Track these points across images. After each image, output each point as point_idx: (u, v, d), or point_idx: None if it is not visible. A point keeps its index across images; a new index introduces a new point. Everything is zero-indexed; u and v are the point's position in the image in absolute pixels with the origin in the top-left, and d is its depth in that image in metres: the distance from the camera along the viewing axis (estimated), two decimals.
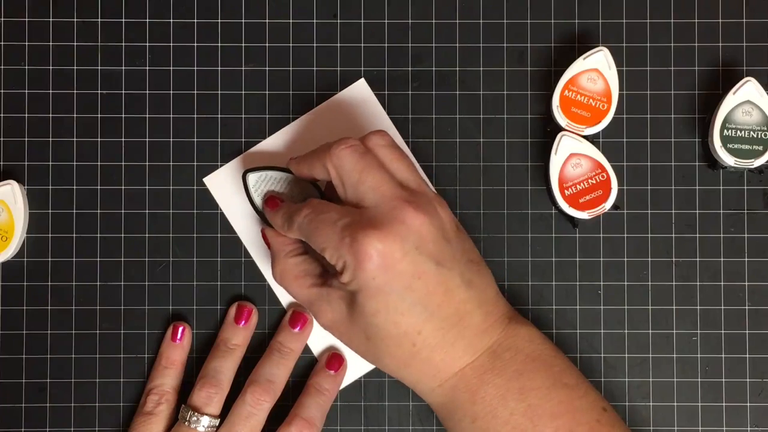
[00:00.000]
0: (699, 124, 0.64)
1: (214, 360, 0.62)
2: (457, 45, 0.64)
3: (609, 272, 0.64)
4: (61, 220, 0.64)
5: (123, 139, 0.64)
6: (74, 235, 0.64)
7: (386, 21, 0.65)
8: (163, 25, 0.64)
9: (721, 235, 0.64)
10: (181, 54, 0.64)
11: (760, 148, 0.62)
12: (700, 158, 0.64)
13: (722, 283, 0.64)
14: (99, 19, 0.64)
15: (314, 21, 0.65)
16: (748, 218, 0.64)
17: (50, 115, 0.64)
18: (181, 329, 0.63)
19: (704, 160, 0.64)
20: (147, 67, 0.64)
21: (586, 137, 0.62)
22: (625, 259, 0.64)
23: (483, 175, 0.64)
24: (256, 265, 0.64)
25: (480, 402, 0.54)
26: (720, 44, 0.64)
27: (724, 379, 0.64)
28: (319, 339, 0.64)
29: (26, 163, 0.64)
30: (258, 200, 0.61)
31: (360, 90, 0.64)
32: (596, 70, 0.62)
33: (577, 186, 0.62)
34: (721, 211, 0.64)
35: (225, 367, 0.61)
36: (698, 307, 0.64)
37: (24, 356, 0.64)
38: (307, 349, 0.64)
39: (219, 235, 0.64)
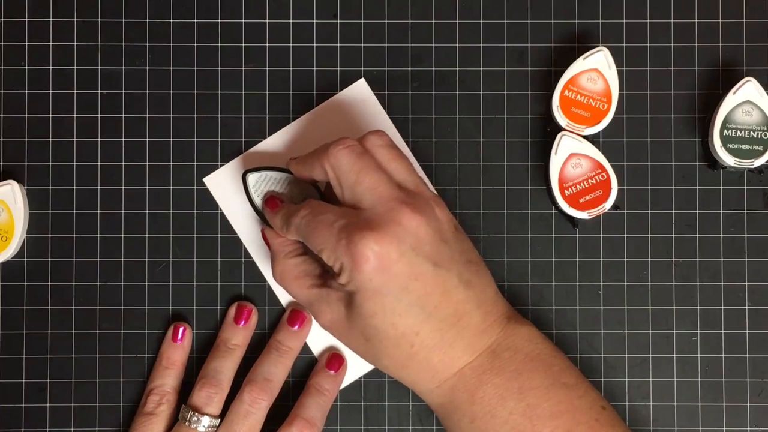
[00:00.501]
0: (699, 124, 0.64)
1: (214, 360, 0.62)
2: (457, 45, 0.64)
3: (609, 272, 0.64)
4: (61, 220, 0.64)
5: (123, 139, 0.64)
6: (74, 235, 0.64)
7: (386, 21, 0.65)
8: (163, 25, 0.64)
9: (721, 235, 0.64)
10: (181, 54, 0.64)
11: (760, 148, 0.62)
12: (700, 158, 0.64)
13: (722, 283, 0.64)
14: (99, 19, 0.64)
15: (314, 21, 0.65)
16: (748, 218, 0.64)
17: (50, 115, 0.64)
18: (181, 329, 0.63)
19: (704, 160, 0.64)
20: (147, 67, 0.64)
21: (586, 137, 0.62)
22: (625, 259, 0.64)
23: (483, 175, 0.64)
24: (256, 265, 0.64)
25: (479, 402, 0.54)
26: (720, 44, 0.64)
27: (724, 379, 0.64)
28: (319, 339, 0.64)
29: (26, 163, 0.64)
30: (258, 200, 0.61)
31: (360, 90, 0.64)
32: (596, 70, 0.62)
33: (577, 186, 0.62)
34: (721, 211, 0.64)
35: (225, 367, 0.61)
36: (698, 307, 0.64)
37: (24, 356, 0.64)
38: (306, 349, 0.64)
39: (219, 235, 0.64)
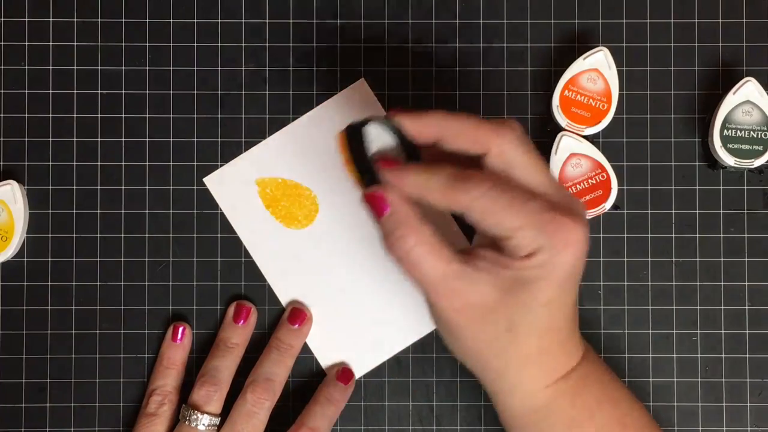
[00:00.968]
0: (699, 124, 0.64)
1: (214, 359, 0.62)
2: (458, 45, 0.64)
3: (609, 272, 0.64)
4: (61, 220, 0.64)
5: (123, 139, 0.64)
6: (74, 235, 0.64)
7: (386, 21, 0.65)
8: (163, 25, 0.64)
9: (721, 235, 0.64)
10: (181, 54, 0.64)
11: (760, 148, 0.62)
12: (700, 158, 0.64)
13: (722, 283, 0.64)
14: (99, 19, 0.64)
15: (314, 21, 0.65)
16: (748, 218, 0.64)
17: (50, 115, 0.64)
18: (181, 329, 0.63)
19: (704, 160, 0.64)
20: (147, 67, 0.64)
21: (586, 137, 0.62)
22: (625, 259, 0.64)
23: None
24: (256, 265, 0.64)
25: (579, 406, 0.53)
26: (720, 44, 0.64)
27: (724, 379, 0.64)
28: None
29: (26, 163, 0.64)
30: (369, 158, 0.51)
31: (360, 90, 0.64)
32: (596, 70, 0.62)
33: (577, 186, 0.62)
34: (721, 211, 0.64)
35: (224, 365, 0.61)
36: (698, 307, 0.64)
37: (24, 356, 0.64)
38: (306, 349, 0.64)
39: (219, 235, 0.64)
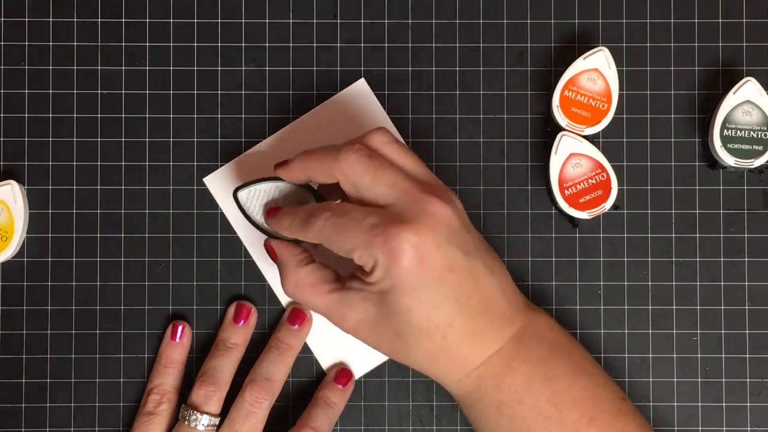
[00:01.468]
0: (699, 124, 0.64)
1: (213, 359, 0.62)
2: (457, 45, 0.64)
3: (609, 272, 0.64)
4: (61, 220, 0.64)
5: (123, 139, 0.64)
6: (74, 235, 0.64)
7: (386, 21, 0.65)
8: (163, 25, 0.64)
9: (721, 235, 0.64)
10: (181, 54, 0.64)
11: (760, 148, 0.62)
12: (700, 158, 0.64)
13: (722, 283, 0.64)
14: (99, 19, 0.64)
15: (314, 21, 0.65)
16: (748, 218, 0.64)
17: (50, 115, 0.64)
18: (180, 328, 0.63)
19: (704, 160, 0.64)
20: (147, 67, 0.64)
21: (586, 137, 0.62)
22: (625, 259, 0.64)
23: (483, 175, 0.64)
24: (256, 265, 0.64)
25: (506, 389, 0.54)
26: (720, 44, 0.64)
27: (724, 379, 0.63)
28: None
29: (26, 163, 0.64)
30: (256, 216, 0.60)
31: (360, 90, 0.64)
32: (596, 70, 0.62)
33: (577, 186, 0.62)
34: (721, 211, 0.64)
35: (223, 365, 0.61)
36: (698, 307, 0.64)
37: (24, 356, 0.64)
38: (306, 349, 0.64)
39: (219, 235, 0.64)
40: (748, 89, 0.62)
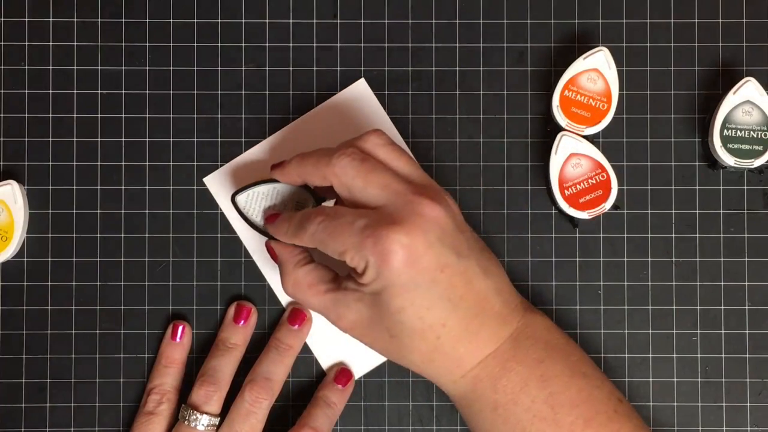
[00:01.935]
0: (699, 124, 0.64)
1: (213, 359, 0.62)
2: (457, 45, 0.64)
3: (609, 272, 0.64)
4: (61, 220, 0.64)
5: (123, 139, 0.64)
6: (74, 235, 0.64)
7: (386, 21, 0.65)
8: (163, 25, 0.64)
9: (721, 235, 0.64)
10: (181, 54, 0.64)
11: (760, 148, 0.62)
12: (700, 158, 0.64)
13: (722, 283, 0.64)
14: (99, 19, 0.64)
15: (314, 21, 0.65)
16: (748, 218, 0.64)
17: (50, 115, 0.64)
18: (180, 328, 0.63)
19: (704, 160, 0.64)
20: (147, 67, 0.64)
21: (586, 137, 0.62)
22: (625, 259, 0.64)
23: (483, 175, 0.64)
24: (256, 265, 0.64)
25: (501, 390, 0.54)
26: (720, 44, 0.64)
27: (724, 379, 0.63)
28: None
29: (26, 163, 0.64)
30: (256, 218, 0.61)
31: (360, 90, 0.64)
32: (596, 70, 0.62)
33: (577, 186, 0.62)
34: (721, 211, 0.64)
35: (223, 365, 0.61)
36: (698, 307, 0.64)
37: (24, 356, 0.64)
38: (306, 349, 0.64)
39: (219, 235, 0.64)
40: (748, 89, 0.62)
